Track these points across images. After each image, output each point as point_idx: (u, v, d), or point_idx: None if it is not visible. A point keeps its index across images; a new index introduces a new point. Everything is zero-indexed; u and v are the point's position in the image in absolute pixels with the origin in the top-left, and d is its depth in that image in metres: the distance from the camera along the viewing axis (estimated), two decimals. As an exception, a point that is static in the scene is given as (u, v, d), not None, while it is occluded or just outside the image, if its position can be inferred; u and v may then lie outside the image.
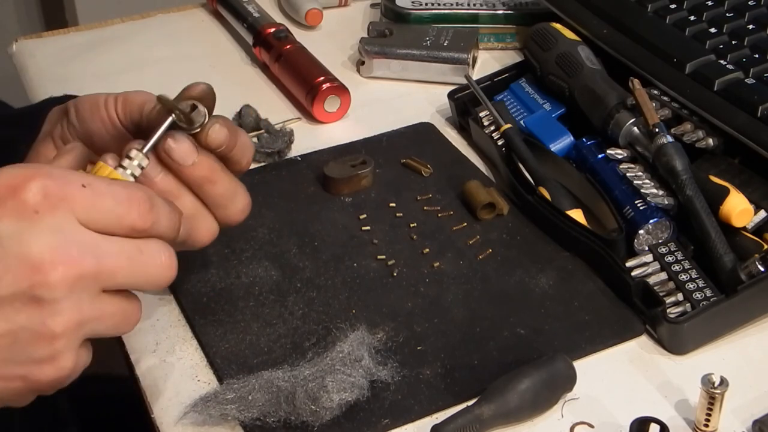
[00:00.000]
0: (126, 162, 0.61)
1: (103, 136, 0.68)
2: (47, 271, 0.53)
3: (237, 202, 0.67)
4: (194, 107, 0.64)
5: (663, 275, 0.73)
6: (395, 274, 0.77)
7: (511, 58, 1.06)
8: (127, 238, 0.57)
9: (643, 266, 0.74)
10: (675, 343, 0.70)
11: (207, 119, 0.64)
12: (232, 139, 0.65)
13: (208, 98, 0.64)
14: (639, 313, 0.72)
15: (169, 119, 0.63)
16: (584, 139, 0.87)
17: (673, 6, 0.92)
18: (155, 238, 0.58)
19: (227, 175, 0.66)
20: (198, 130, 0.64)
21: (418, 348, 0.70)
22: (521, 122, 0.91)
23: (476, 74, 1.02)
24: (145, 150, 0.62)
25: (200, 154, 0.64)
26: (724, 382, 0.62)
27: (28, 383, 0.56)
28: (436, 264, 0.77)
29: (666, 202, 0.78)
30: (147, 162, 0.62)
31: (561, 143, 0.88)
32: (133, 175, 0.61)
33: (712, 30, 0.88)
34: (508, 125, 0.88)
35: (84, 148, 0.65)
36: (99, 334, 0.57)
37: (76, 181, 0.55)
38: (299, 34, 1.06)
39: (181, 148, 0.63)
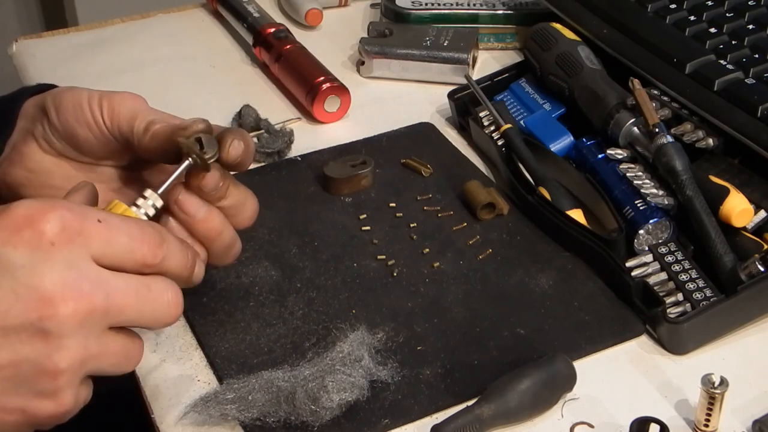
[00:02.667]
0: (140, 201, 0.63)
1: (89, 139, 0.68)
2: (57, 305, 0.53)
3: (246, 210, 0.68)
4: (201, 140, 0.65)
5: (663, 275, 0.73)
6: (395, 274, 0.77)
7: (511, 58, 1.06)
8: (136, 275, 0.57)
9: (643, 266, 0.74)
10: (675, 343, 0.70)
11: (217, 150, 0.65)
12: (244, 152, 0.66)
13: (209, 133, 0.65)
14: (639, 313, 0.72)
15: (186, 163, 0.64)
16: (584, 139, 0.87)
17: (673, 6, 0.92)
18: (162, 277, 0.58)
19: (235, 188, 0.67)
20: (212, 160, 0.65)
21: (418, 348, 0.70)
22: (521, 122, 0.91)
23: (476, 74, 1.02)
24: (160, 191, 0.63)
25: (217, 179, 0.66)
26: (724, 382, 0.62)
27: (27, 417, 0.55)
28: (436, 264, 0.77)
29: (666, 202, 0.78)
30: (161, 203, 0.63)
31: (561, 143, 0.88)
32: (146, 214, 0.62)
33: (712, 30, 0.88)
34: (508, 125, 0.88)
35: (94, 187, 0.65)
36: (100, 372, 0.57)
37: (92, 216, 0.56)
38: (299, 34, 1.06)
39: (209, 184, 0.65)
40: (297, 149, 0.91)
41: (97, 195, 0.65)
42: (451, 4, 1.08)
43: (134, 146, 0.67)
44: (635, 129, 0.83)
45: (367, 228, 0.81)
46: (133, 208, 0.62)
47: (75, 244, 0.54)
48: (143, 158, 0.68)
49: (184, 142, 0.64)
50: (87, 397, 0.57)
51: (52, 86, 0.74)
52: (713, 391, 0.62)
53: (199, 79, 1.05)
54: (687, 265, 0.73)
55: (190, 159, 0.64)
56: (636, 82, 0.83)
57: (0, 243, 0.53)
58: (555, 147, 0.88)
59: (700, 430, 0.64)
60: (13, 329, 0.53)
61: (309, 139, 0.93)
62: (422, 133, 0.94)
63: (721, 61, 0.84)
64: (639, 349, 0.71)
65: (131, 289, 0.56)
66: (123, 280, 0.56)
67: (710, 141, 0.81)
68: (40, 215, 0.54)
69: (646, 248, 0.75)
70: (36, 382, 0.54)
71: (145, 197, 0.63)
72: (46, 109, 0.69)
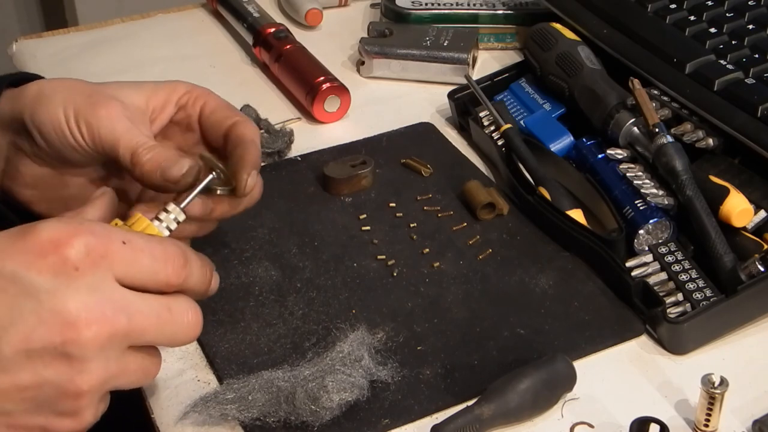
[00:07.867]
0: (163, 215, 0.63)
1: (77, 158, 0.68)
2: (81, 329, 0.53)
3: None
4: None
5: (663, 275, 0.73)
6: (395, 274, 0.77)
7: (511, 58, 1.06)
8: (157, 296, 0.57)
9: (643, 266, 0.74)
10: (675, 343, 0.70)
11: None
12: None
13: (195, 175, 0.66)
14: (639, 313, 0.72)
15: (210, 177, 0.64)
16: (584, 139, 0.87)
17: (673, 6, 0.92)
18: (183, 296, 0.59)
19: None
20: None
21: (418, 348, 0.70)
22: (521, 122, 0.91)
23: (476, 74, 1.02)
24: (182, 205, 0.63)
25: None
26: (724, 382, 0.62)
27: None
28: (436, 264, 0.77)
29: (666, 202, 0.78)
30: (183, 217, 0.63)
31: (561, 143, 0.88)
32: (168, 228, 0.62)
33: (712, 30, 0.88)
34: (508, 125, 0.88)
35: (113, 194, 0.64)
36: (119, 388, 0.58)
37: (117, 238, 0.56)
38: (299, 34, 1.06)
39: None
40: (297, 149, 0.91)
41: (116, 203, 0.64)
42: (451, 4, 1.09)
43: (136, 178, 0.66)
44: (635, 129, 0.83)
45: (367, 228, 0.81)
46: (155, 222, 0.62)
47: (99, 267, 0.54)
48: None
49: (207, 157, 0.65)
50: (104, 409, 0.58)
51: (32, 77, 0.72)
52: (713, 391, 0.62)
53: (199, 79, 1.04)
54: (687, 265, 0.73)
55: (213, 174, 0.64)
56: (636, 82, 0.83)
57: (25, 267, 0.53)
58: (555, 147, 0.88)
59: (700, 430, 0.64)
60: (36, 352, 0.53)
61: (309, 139, 0.93)
62: (422, 133, 0.94)
63: (721, 61, 0.84)
64: (639, 349, 0.71)
65: (153, 311, 0.56)
66: (145, 303, 0.56)
67: (710, 141, 0.81)
68: (65, 240, 0.54)
69: (646, 248, 0.75)
70: (58, 403, 0.55)
71: (167, 211, 0.63)
72: (29, 130, 0.68)
